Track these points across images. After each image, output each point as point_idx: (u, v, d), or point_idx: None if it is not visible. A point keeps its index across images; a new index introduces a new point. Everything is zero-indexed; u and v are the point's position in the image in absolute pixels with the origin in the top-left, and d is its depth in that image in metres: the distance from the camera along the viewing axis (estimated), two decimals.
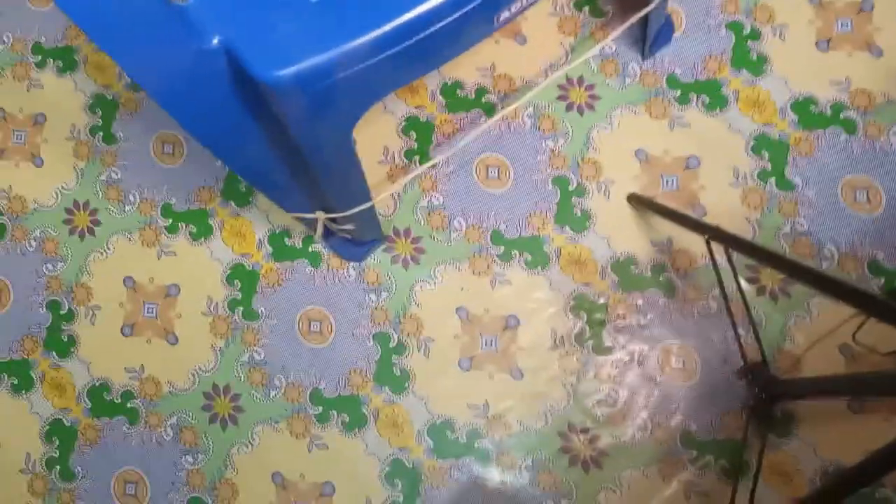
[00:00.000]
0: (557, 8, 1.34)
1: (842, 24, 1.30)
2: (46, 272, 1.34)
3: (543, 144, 1.29)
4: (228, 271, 1.30)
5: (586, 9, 1.33)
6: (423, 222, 1.28)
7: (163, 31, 0.72)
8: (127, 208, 1.34)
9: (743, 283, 1.21)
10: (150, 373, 1.29)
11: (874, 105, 1.26)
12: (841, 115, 1.26)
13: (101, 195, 1.35)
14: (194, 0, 0.67)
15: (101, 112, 1.39)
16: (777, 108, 1.27)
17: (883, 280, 1.20)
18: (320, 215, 1.04)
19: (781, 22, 1.30)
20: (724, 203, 1.25)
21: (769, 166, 1.25)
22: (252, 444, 1.25)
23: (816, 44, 1.29)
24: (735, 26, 1.30)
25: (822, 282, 0.78)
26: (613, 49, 1.32)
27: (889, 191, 1.23)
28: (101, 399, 1.29)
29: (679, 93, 1.29)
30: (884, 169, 1.24)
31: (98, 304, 1.32)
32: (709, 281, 1.22)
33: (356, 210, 1.05)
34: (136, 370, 1.29)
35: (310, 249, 1.29)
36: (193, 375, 1.28)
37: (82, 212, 1.35)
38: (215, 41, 0.68)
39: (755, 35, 1.30)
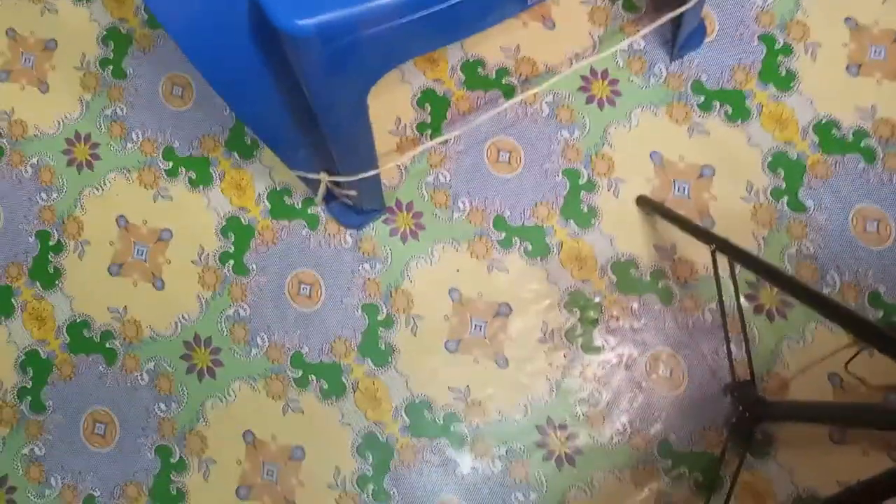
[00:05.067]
0: None
1: (875, 51, 1.27)
2: (40, 201, 1.31)
3: (559, 134, 1.27)
4: (223, 223, 1.27)
5: (620, 1, 1.30)
6: (426, 198, 1.26)
7: None
8: (128, 146, 1.32)
9: (742, 299, 1.20)
10: (133, 315, 1.27)
11: None
12: (862, 143, 1.24)
13: (103, 130, 1.32)
14: None
15: (113, 45, 1.35)
16: (799, 128, 1.25)
17: (882, 313, 1.18)
18: (324, 177, 1.02)
19: (815, 40, 1.27)
20: (733, 216, 1.23)
21: (783, 185, 1.23)
22: (227, 400, 1.23)
23: (847, 67, 1.27)
24: (768, 39, 1.28)
25: (825, 306, 0.76)
26: (642, 46, 1.29)
27: None
28: (80, 335, 1.27)
29: (702, 99, 1.26)
30: None
31: (88, 240, 1.29)
32: (707, 293, 1.20)
33: (361, 176, 1.02)
34: (118, 310, 1.27)
35: (309, 211, 1.27)
36: (176, 323, 1.26)
37: (83, 144, 1.32)
38: None
39: (787, 50, 1.27)
